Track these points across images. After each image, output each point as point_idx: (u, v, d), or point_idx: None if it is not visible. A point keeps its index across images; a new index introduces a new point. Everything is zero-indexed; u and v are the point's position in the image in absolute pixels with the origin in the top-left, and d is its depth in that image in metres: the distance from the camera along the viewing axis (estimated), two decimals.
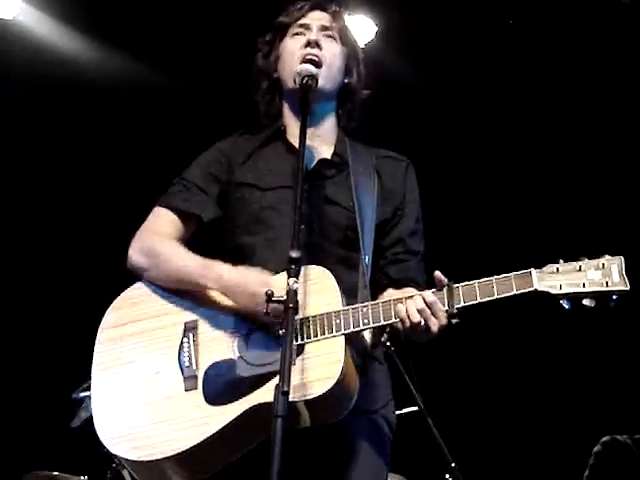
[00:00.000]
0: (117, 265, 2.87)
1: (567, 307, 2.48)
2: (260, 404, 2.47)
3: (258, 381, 2.51)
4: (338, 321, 2.52)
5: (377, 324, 2.55)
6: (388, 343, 4.14)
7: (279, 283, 2.43)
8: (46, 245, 6.17)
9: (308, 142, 2.67)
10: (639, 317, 5.40)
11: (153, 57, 5.61)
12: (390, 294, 2.74)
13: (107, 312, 2.79)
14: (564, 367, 6.16)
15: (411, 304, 2.51)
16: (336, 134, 2.99)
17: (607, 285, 2.44)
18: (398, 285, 2.79)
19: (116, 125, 5.89)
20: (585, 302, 2.46)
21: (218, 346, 2.63)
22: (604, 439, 4.93)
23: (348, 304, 2.58)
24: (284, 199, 2.79)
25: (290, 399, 2.20)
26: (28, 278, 6.17)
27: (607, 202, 5.98)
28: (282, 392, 2.17)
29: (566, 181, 6.07)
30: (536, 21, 5.45)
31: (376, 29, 5.59)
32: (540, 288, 2.46)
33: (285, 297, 2.32)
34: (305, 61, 2.84)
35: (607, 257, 2.48)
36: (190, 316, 2.71)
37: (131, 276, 2.82)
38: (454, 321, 2.50)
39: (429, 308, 2.49)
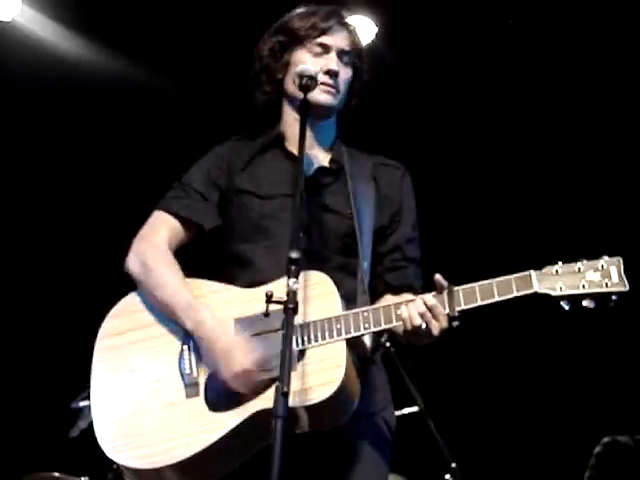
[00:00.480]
0: (115, 272, 2.84)
1: (567, 308, 2.49)
2: (262, 410, 2.46)
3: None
4: (339, 326, 2.53)
5: (378, 328, 2.55)
6: (388, 344, 4.15)
7: (279, 289, 2.39)
8: (45, 248, 6.15)
9: (306, 149, 2.66)
10: (639, 317, 5.40)
11: (153, 59, 5.60)
12: (388, 300, 2.74)
13: (105, 320, 2.77)
14: (564, 368, 6.15)
15: (412, 307, 2.51)
16: (334, 141, 2.98)
17: (606, 286, 2.45)
18: (396, 291, 2.79)
19: (115, 126, 5.88)
20: (585, 303, 2.47)
21: None
22: (605, 440, 4.92)
23: (348, 310, 2.58)
24: (284, 208, 2.77)
25: (292, 404, 2.19)
26: (28, 284, 6.15)
27: (606, 203, 5.97)
28: (282, 393, 2.16)
29: (564, 182, 6.06)
30: (536, 21, 5.44)
31: (376, 29, 5.58)
32: (540, 290, 2.48)
33: (285, 297, 2.31)
34: (323, 92, 2.81)
35: (606, 258, 2.49)
36: None
37: (129, 284, 2.80)
38: (455, 324, 2.50)
39: (430, 311, 2.50)
